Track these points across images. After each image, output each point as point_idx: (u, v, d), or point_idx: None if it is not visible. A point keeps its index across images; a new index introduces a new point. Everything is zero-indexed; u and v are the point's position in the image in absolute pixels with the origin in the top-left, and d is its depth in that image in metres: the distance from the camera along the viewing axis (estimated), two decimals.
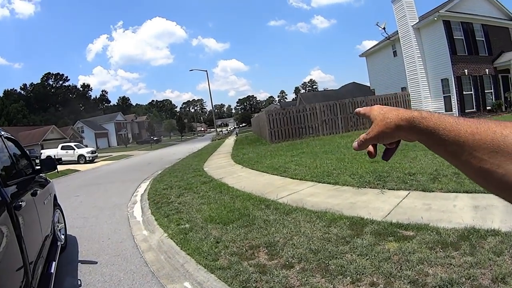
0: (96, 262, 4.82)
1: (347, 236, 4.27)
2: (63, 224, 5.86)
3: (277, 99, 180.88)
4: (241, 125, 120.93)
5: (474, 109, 20.84)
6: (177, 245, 4.97)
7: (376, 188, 6.50)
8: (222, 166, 13.45)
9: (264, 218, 5.45)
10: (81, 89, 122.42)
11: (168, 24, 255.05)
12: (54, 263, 3.73)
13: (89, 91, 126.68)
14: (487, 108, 21.21)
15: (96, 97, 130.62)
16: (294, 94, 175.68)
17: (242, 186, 8.35)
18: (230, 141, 35.50)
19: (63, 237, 5.48)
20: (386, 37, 26.19)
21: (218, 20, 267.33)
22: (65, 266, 4.78)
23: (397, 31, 24.23)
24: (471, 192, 5.31)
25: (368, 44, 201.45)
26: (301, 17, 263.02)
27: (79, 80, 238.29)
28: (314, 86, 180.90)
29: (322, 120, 20.86)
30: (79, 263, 4.88)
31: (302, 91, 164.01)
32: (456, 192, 5.47)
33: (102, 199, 10.19)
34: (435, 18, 20.55)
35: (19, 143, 4.52)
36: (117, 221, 7.23)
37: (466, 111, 20.51)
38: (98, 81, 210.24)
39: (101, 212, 8.22)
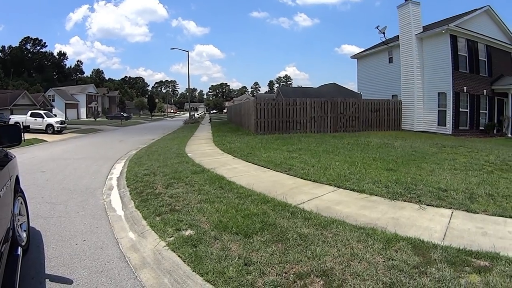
0: (72, 282, 3.58)
1: (418, 264, 3.64)
2: (26, 216, 4.45)
3: (250, 90, 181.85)
4: (212, 111, 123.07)
5: (467, 127, 21.25)
6: (185, 263, 3.87)
7: (411, 202, 6.05)
8: (209, 154, 12.72)
9: (297, 231, 4.61)
10: (57, 57, 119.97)
11: (151, 1, 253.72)
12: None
13: (65, 60, 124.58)
14: (480, 128, 21.76)
15: (71, 66, 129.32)
16: (268, 87, 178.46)
17: (246, 183, 7.51)
18: (205, 126, 35.13)
19: (24, 235, 4.16)
20: (383, 42, 26.00)
21: (202, 3, 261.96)
22: (27, 283, 3.55)
23: (398, 36, 24.29)
24: None
25: (348, 48, 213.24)
26: (284, 12, 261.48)
27: (56, 48, 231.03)
28: (289, 82, 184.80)
29: (311, 116, 20.50)
30: (47, 280, 3.63)
31: (276, 85, 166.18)
32: (502, 216, 5.28)
33: (72, 179, 9.09)
34: (443, 31, 20.61)
35: None
36: (92, 212, 6.13)
37: (459, 127, 20.87)
38: (74, 51, 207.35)
39: (71, 197, 7.15)
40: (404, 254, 3.88)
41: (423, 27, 22.93)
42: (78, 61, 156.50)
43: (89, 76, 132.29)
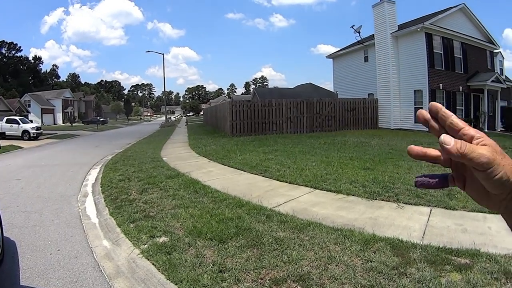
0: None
1: (397, 265, 3.56)
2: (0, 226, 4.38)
3: (226, 91, 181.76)
4: (188, 114, 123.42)
5: None
6: (159, 271, 3.78)
7: (389, 201, 6.01)
8: (184, 158, 12.56)
9: (272, 235, 4.50)
10: (32, 61, 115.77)
11: (127, 3, 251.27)
12: None
13: (40, 64, 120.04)
14: None
15: (46, 71, 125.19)
16: (244, 88, 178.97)
17: (221, 186, 7.36)
18: (181, 129, 35.08)
19: None
20: (359, 41, 26.25)
21: (177, 5, 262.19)
22: None
23: (373, 36, 24.54)
24: (496, 214, 4.99)
25: (323, 48, 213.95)
26: (260, 13, 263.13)
27: (31, 52, 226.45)
28: (265, 83, 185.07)
29: (287, 117, 20.45)
30: None
31: (252, 86, 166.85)
32: (481, 212, 5.26)
33: (47, 186, 8.94)
34: (418, 29, 20.94)
35: None
36: (67, 221, 6.01)
37: None
38: (50, 55, 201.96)
39: (46, 206, 7.01)
40: (383, 255, 3.80)
41: (398, 25, 23.27)
42: (53, 65, 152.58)
43: (65, 80, 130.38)
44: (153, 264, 3.95)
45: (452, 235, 4.45)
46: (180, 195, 6.81)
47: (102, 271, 4.02)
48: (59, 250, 4.68)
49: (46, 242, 4.97)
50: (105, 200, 7.02)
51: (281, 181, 7.79)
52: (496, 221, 4.90)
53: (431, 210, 5.47)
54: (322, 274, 3.47)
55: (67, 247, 4.80)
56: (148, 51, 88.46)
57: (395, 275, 3.37)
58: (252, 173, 8.79)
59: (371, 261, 3.66)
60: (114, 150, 17.18)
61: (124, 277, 3.82)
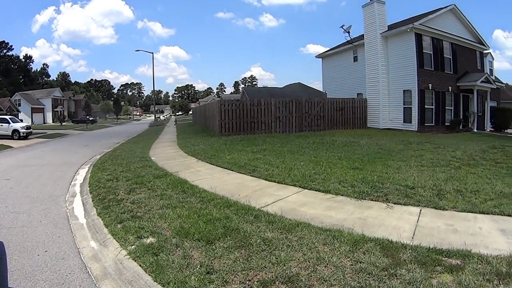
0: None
1: (387, 266, 3.52)
2: None
3: (215, 91, 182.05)
4: (177, 113, 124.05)
5: (433, 124, 21.76)
6: (146, 272, 3.75)
7: (378, 201, 6.00)
8: (172, 157, 12.50)
9: (261, 235, 4.45)
10: (23, 60, 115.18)
11: (117, 2, 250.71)
12: None
13: (31, 63, 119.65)
14: (446, 124, 22.32)
15: (37, 70, 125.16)
16: (233, 87, 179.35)
17: (209, 186, 7.30)
18: (170, 128, 35.15)
19: None
20: (348, 41, 26.32)
21: (168, 4, 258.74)
22: None
23: (363, 35, 24.59)
24: (487, 213, 5.29)
25: (313, 48, 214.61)
26: (250, 13, 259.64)
27: (22, 51, 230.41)
28: (254, 82, 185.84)
29: (276, 116, 20.40)
30: None
31: (242, 85, 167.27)
32: (471, 212, 5.33)
33: (36, 186, 8.95)
34: (408, 30, 21.03)
35: None
36: (55, 221, 6.00)
37: (425, 124, 21.33)
38: (41, 54, 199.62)
39: (34, 206, 7.00)
40: (373, 256, 3.76)
41: (388, 26, 23.36)
42: (44, 64, 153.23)
43: (55, 79, 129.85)
44: (140, 265, 3.92)
45: (442, 235, 4.44)
46: (168, 195, 6.77)
47: (89, 272, 4.02)
48: (46, 251, 4.67)
49: (34, 243, 4.97)
50: (93, 200, 7.00)
51: (269, 180, 7.75)
52: (487, 222, 4.96)
53: (420, 210, 5.46)
54: (311, 275, 3.42)
55: (55, 248, 4.80)
56: (138, 50, 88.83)
57: (385, 276, 3.33)
58: (240, 173, 8.74)
59: (360, 262, 3.61)
60: (102, 149, 17.21)
61: (111, 279, 3.81)
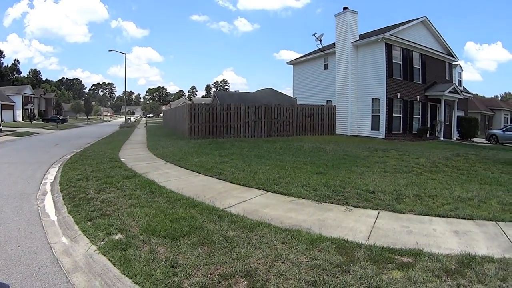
0: (8, 286, 3.55)
1: (341, 263, 3.74)
2: None
3: (187, 94, 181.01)
4: (148, 115, 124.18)
5: (400, 131, 22.46)
6: (115, 266, 3.93)
7: (338, 204, 6.25)
8: (142, 159, 12.51)
9: (223, 233, 4.65)
10: None
11: None
12: None
13: (2, 58, 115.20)
14: (413, 132, 23.09)
15: (7, 65, 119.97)
16: (205, 91, 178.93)
17: (176, 187, 7.44)
18: (141, 130, 34.96)
19: None
20: (320, 49, 26.85)
21: (143, 4, 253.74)
22: None
23: (334, 44, 25.14)
24: (443, 216, 5.57)
25: (286, 54, 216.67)
26: (225, 16, 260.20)
27: None
28: (226, 86, 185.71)
29: (245, 121, 20.60)
30: None
31: (214, 89, 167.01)
32: (428, 215, 5.62)
33: (7, 184, 8.89)
34: (378, 40, 21.63)
35: None
36: (27, 218, 6.09)
37: (393, 132, 22.00)
38: (12, 49, 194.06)
39: (5, 203, 7.04)
40: (328, 253, 3.98)
41: (359, 35, 24.02)
42: (15, 60, 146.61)
43: (26, 76, 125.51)
44: (109, 259, 4.10)
45: (397, 236, 4.68)
46: (136, 195, 6.89)
47: (61, 266, 4.18)
48: (19, 246, 4.78)
49: (7, 239, 5.05)
50: (63, 199, 7.08)
51: (234, 183, 7.91)
52: (442, 224, 5.23)
53: (378, 213, 5.72)
54: (268, 270, 3.61)
55: (27, 243, 4.92)
56: (111, 50, 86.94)
57: (338, 272, 3.54)
58: (207, 175, 8.87)
59: (316, 259, 3.82)
60: (73, 149, 17.00)
61: (82, 272, 3.99)
